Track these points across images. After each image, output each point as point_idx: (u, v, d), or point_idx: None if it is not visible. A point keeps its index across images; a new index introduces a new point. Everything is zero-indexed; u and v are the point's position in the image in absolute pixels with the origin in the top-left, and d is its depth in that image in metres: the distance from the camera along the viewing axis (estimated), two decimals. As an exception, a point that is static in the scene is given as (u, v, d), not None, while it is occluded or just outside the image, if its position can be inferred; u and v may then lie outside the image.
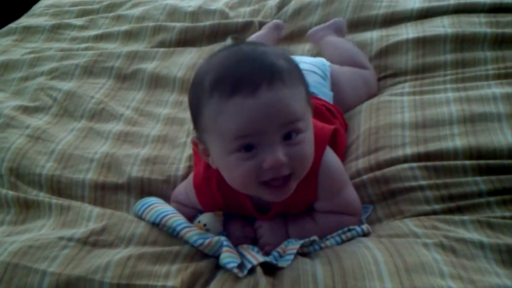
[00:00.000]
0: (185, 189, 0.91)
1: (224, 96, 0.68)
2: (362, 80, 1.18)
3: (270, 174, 0.71)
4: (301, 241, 0.78)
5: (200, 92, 0.72)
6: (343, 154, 0.99)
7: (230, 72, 0.69)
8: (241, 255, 0.76)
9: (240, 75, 0.69)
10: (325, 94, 1.09)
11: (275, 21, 1.45)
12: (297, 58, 1.15)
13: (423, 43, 1.22)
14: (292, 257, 0.74)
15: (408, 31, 1.28)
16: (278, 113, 0.68)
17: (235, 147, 0.70)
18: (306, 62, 1.12)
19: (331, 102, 1.08)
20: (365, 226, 0.82)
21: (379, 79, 1.21)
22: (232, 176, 0.75)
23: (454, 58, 1.16)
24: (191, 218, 0.87)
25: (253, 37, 1.40)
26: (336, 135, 0.90)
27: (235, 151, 0.71)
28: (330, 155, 0.84)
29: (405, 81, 1.15)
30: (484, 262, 0.71)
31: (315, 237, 0.79)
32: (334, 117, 1.01)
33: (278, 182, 0.72)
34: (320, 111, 0.99)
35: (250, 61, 0.70)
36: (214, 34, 1.48)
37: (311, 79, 1.07)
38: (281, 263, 0.74)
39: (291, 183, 0.74)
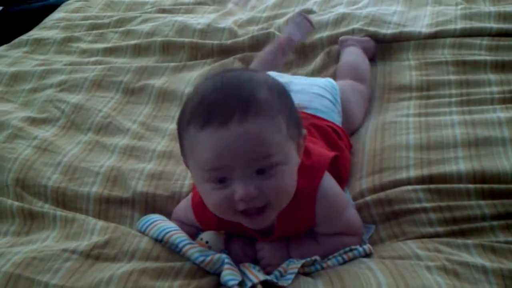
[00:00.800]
0: (184, 207, 0.91)
1: (198, 126, 0.69)
2: (361, 96, 1.20)
3: (242, 205, 0.71)
4: (303, 261, 0.78)
5: (182, 120, 0.74)
6: (347, 176, 0.99)
7: (205, 102, 0.70)
8: (242, 273, 0.76)
9: (213, 106, 0.69)
10: (334, 119, 1.08)
11: (286, 37, 1.42)
12: (308, 81, 1.17)
13: (425, 64, 1.24)
14: (293, 276, 0.74)
15: (411, 54, 1.29)
16: (248, 148, 0.68)
17: (208, 178, 0.71)
18: (317, 85, 1.12)
19: (340, 125, 1.08)
20: (367, 247, 0.82)
21: (383, 93, 1.22)
22: (208, 204, 0.76)
23: (458, 79, 1.17)
24: (192, 236, 0.87)
25: (262, 55, 1.40)
26: (337, 160, 0.90)
27: (209, 181, 0.72)
28: (328, 181, 0.83)
29: (410, 98, 1.15)
30: (487, 287, 0.70)
31: (316, 257, 0.79)
32: (340, 139, 1.02)
33: (253, 211, 0.73)
34: (326, 132, 0.99)
35: (227, 90, 0.70)
36: (225, 49, 1.50)
37: (321, 104, 1.07)
38: (282, 282, 0.74)
39: (267, 213, 0.73)
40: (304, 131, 0.78)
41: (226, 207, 0.72)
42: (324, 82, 1.16)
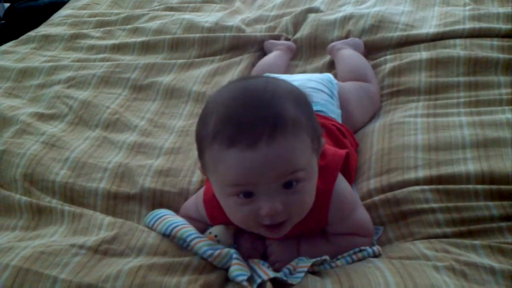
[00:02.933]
0: (195, 203, 0.91)
1: (224, 146, 0.67)
2: (366, 95, 1.20)
3: (267, 220, 0.71)
4: (313, 260, 0.78)
5: (204, 134, 0.72)
6: (353, 175, 0.99)
7: (231, 119, 0.68)
8: (251, 269, 0.76)
9: (241, 126, 0.67)
10: (333, 111, 1.09)
11: (288, 42, 1.47)
12: (306, 77, 1.18)
13: (436, 64, 1.23)
14: (302, 274, 0.74)
15: (422, 52, 1.29)
16: (276, 166, 0.67)
17: (233, 192, 0.71)
18: (314, 80, 1.14)
19: (340, 120, 1.09)
20: (376, 248, 0.81)
21: (391, 94, 1.22)
22: (231, 217, 0.76)
23: (467, 81, 1.16)
24: (200, 232, 0.86)
25: (267, 58, 1.42)
26: (347, 158, 0.90)
27: (233, 195, 0.71)
28: (340, 180, 0.84)
29: (418, 100, 1.15)
30: (495, 288, 0.71)
31: (326, 257, 0.79)
32: (344, 137, 1.02)
33: (275, 225, 0.73)
34: (331, 130, 0.99)
35: (253, 107, 0.68)
36: (233, 47, 1.50)
37: (319, 97, 1.09)
38: (291, 280, 0.74)
39: (286, 226, 0.74)
40: (323, 140, 0.78)
41: (251, 222, 0.72)
42: (320, 77, 1.17)
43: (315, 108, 1.01)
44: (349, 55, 1.32)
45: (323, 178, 0.79)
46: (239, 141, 0.66)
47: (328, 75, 1.19)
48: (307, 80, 1.13)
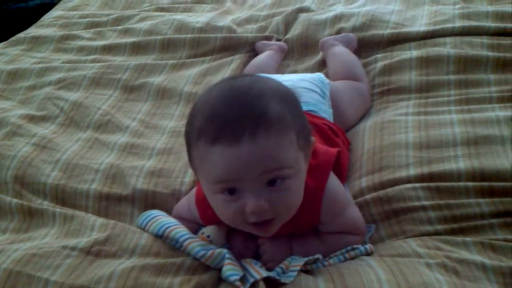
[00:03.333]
0: (187, 204, 0.91)
1: (208, 143, 0.68)
2: (358, 93, 1.20)
3: (253, 217, 0.71)
4: (305, 259, 0.78)
5: (191, 133, 0.72)
6: (346, 174, 1.00)
7: (215, 117, 0.68)
8: (244, 268, 0.76)
9: (224, 123, 0.67)
10: (325, 111, 1.09)
11: (280, 43, 1.47)
12: (297, 77, 1.18)
13: (426, 62, 1.23)
14: (295, 273, 0.74)
15: (412, 51, 1.29)
16: (259, 163, 0.67)
17: (218, 189, 0.71)
18: (305, 80, 1.14)
19: (331, 119, 1.09)
20: (368, 246, 0.82)
21: (382, 93, 1.22)
22: (219, 214, 0.76)
23: (458, 79, 1.17)
24: (193, 232, 0.86)
25: (258, 58, 1.42)
26: (339, 157, 0.90)
27: (219, 192, 0.71)
28: (332, 179, 0.84)
29: (409, 99, 1.16)
30: (487, 284, 0.71)
31: (319, 255, 0.79)
32: (336, 136, 1.02)
33: (261, 223, 0.73)
34: (323, 130, 1.00)
35: (237, 104, 0.68)
36: (224, 47, 1.50)
37: (310, 97, 1.09)
38: (284, 279, 0.74)
39: (274, 224, 0.74)
40: (313, 138, 0.78)
41: (237, 219, 0.73)
42: (312, 77, 1.17)
43: (306, 108, 1.02)
44: (340, 53, 1.33)
45: (315, 177, 0.79)
46: (222, 137, 0.67)
47: (320, 75, 1.19)
48: (299, 80, 1.13)
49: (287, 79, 1.13)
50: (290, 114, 0.71)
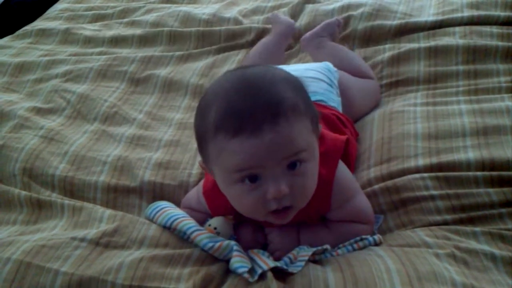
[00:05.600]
0: (197, 195, 0.91)
1: (228, 136, 0.68)
2: (371, 89, 1.19)
3: (274, 204, 0.71)
4: (314, 249, 0.78)
5: (205, 127, 0.72)
6: (354, 163, 0.99)
7: (233, 110, 0.68)
8: (252, 260, 0.76)
9: (243, 115, 0.68)
10: (333, 100, 1.09)
11: (288, 25, 1.40)
12: (303, 66, 1.17)
13: (435, 52, 1.22)
14: (303, 263, 0.74)
15: (420, 41, 1.28)
16: (280, 149, 0.69)
17: (238, 178, 0.71)
18: (313, 69, 1.12)
19: (340, 108, 1.09)
20: (377, 236, 0.82)
21: (390, 84, 1.21)
22: (237, 206, 0.76)
23: (467, 69, 1.16)
24: (201, 223, 0.87)
25: (262, 43, 1.38)
26: (348, 144, 0.90)
27: (239, 182, 0.71)
28: (341, 166, 0.84)
29: (417, 90, 1.15)
30: (496, 274, 0.71)
31: (327, 245, 0.79)
32: (345, 126, 1.02)
33: (279, 210, 0.73)
34: (331, 120, 0.99)
35: (253, 95, 0.69)
36: (230, 38, 1.50)
37: (318, 86, 1.08)
38: (291, 269, 0.74)
39: (291, 213, 0.74)
40: (320, 125, 0.78)
41: (258, 208, 0.72)
42: (319, 65, 1.15)
43: (314, 98, 1.01)
44: (339, 51, 1.27)
45: (325, 164, 0.79)
46: (243, 130, 0.67)
47: (327, 63, 1.17)
48: (305, 70, 1.12)
49: (293, 69, 1.11)
50: (302, 100, 0.72)
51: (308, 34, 1.34)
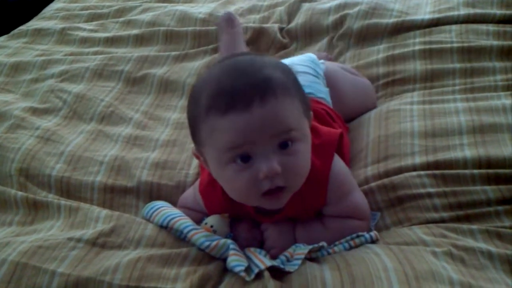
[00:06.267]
0: (194, 193, 0.91)
1: (219, 114, 0.70)
2: (360, 82, 1.19)
3: (267, 183, 0.71)
4: (310, 246, 0.78)
5: (197, 109, 0.73)
6: (348, 158, 0.99)
7: (224, 90, 0.70)
8: (248, 258, 0.76)
9: (233, 92, 0.69)
10: (321, 91, 1.08)
11: (225, 17, 1.41)
12: (288, 61, 1.16)
13: (431, 51, 1.23)
14: (299, 262, 0.74)
15: (416, 39, 1.28)
16: (271, 125, 0.70)
17: (230, 158, 0.71)
18: (296, 63, 1.12)
19: (328, 98, 1.08)
20: (373, 233, 0.81)
21: (387, 84, 1.21)
22: (232, 188, 0.76)
23: (463, 67, 1.16)
24: (198, 222, 0.87)
25: (222, 46, 1.38)
26: (341, 138, 0.90)
27: (231, 162, 0.72)
28: (337, 159, 0.84)
29: (414, 89, 1.15)
30: (493, 272, 0.71)
31: (323, 243, 0.79)
32: (334, 121, 1.01)
33: (274, 191, 0.73)
34: (321, 115, 0.99)
35: (243, 75, 0.71)
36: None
37: (304, 79, 1.05)
38: (288, 268, 0.74)
39: (285, 194, 0.74)
40: (311, 113, 0.79)
41: (251, 189, 0.72)
42: (302, 58, 1.16)
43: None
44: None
45: (320, 156, 0.80)
46: (233, 107, 0.69)
47: (310, 55, 1.18)
48: (290, 65, 1.12)
49: None
50: (292, 83, 0.75)
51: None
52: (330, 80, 1.13)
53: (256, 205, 0.77)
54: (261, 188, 0.72)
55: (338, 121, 1.04)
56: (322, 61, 1.16)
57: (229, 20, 1.41)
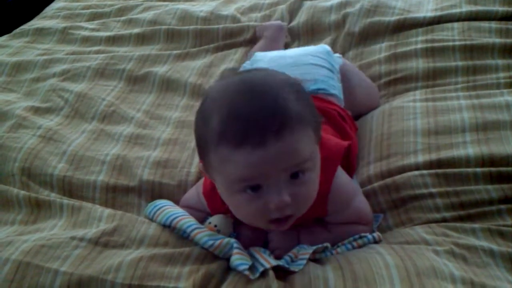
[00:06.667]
0: (197, 193, 0.91)
1: (231, 146, 0.67)
2: (371, 84, 1.19)
3: (276, 214, 0.71)
4: (314, 247, 0.78)
5: (207, 132, 0.70)
6: (355, 161, 0.99)
7: (238, 117, 0.67)
8: (252, 257, 0.76)
9: (248, 123, 0.66)
10: (334, 87, 1.06)
11: (276, 23, 1.43)
12: (300, 51, 1.15)
13: (433, 49, 1.22)
14: (304, 262, 0.74)
15: (419, 37, 1.28)
16: (285, 160, 0.68)
17: (241, 188, 0.70)
18: (312, 54, 1.10)
19: (341, 95, 1.07)
20: (376, 234, 0.82)
21: (389, 82, 1.21)
22: (238, 214, 0.76)
23: (465, 65, 1.16)
24: (201, 222, 0.87)
25: (258, 48, 1.38)
26: (350, 149, 0.89)
27: (241, 191, 0.71)
28: (339, 172, 0.84)
29: (416, 88, 1.15)
30: (495, 270, 0.71)
31: (327, 244, 0.79)
32: (345, 121, 1.01)
33: (280, 219, 0.73)
34: (332, 116, 0.99)
35: (258, 102, 0.67)
36: (228, 37, 1.49)
37: (318, 73, 1.06)
38: (293, 268, 0.74)
39: (291, 221, 0.74)
40: (321, 132, 0.77)
41: (259, 217, 0.72)
42: (317, 50, 1.13)
43: (315, 86, 1.01)
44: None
45: (324, 170, 0.78)
46: (248, 140, 0.66)
47: (324, 46, 1.15)
48: (304, 55, 1.10)
49: (291, 54, 1.10)
50: (307, 109, 0.71)
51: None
52: (344, 76, 1.11)
53: (262, 228, 0.77)
54: (270, 216, 0.71)
55: (349, 122, 1.03)
56: (338, 55, 1.14)
57: (280, 30, 1.40)
